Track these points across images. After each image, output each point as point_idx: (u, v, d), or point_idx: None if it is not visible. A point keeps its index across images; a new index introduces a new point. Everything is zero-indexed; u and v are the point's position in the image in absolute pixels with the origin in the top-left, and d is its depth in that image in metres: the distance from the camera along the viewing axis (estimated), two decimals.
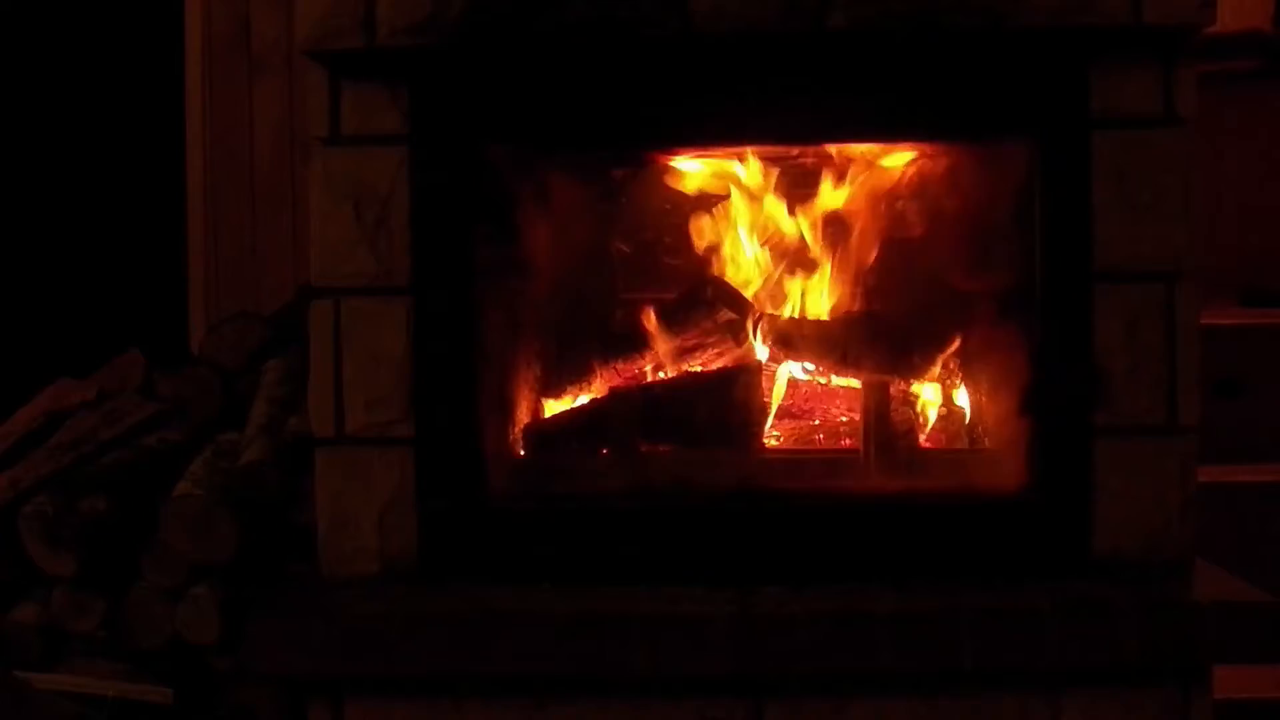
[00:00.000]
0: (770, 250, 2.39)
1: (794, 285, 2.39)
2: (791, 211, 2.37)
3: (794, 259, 2.39)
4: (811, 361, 2.31)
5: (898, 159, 2.29)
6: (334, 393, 2.06)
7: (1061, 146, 2.01)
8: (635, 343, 2.36)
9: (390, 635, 1.91)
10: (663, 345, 2.32)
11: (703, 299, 2.34)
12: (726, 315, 2.33)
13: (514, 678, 1.91)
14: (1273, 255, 3.42)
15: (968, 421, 2.25)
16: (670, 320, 2.35)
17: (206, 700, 2.25)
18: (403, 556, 2.05)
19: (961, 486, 2.08)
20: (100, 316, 3.41)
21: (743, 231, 2.39)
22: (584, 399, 2.32)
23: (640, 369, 2.36)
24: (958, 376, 2.26)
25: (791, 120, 2.05)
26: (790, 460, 2.22)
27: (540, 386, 2.31)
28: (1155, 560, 2.00)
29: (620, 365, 2.36)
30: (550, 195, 2.27)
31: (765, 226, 2.38)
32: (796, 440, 2.29)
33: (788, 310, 2.37)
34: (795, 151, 2.31)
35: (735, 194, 2.36)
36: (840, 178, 2.32)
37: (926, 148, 2.25)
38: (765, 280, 2.38)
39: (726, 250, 2.40)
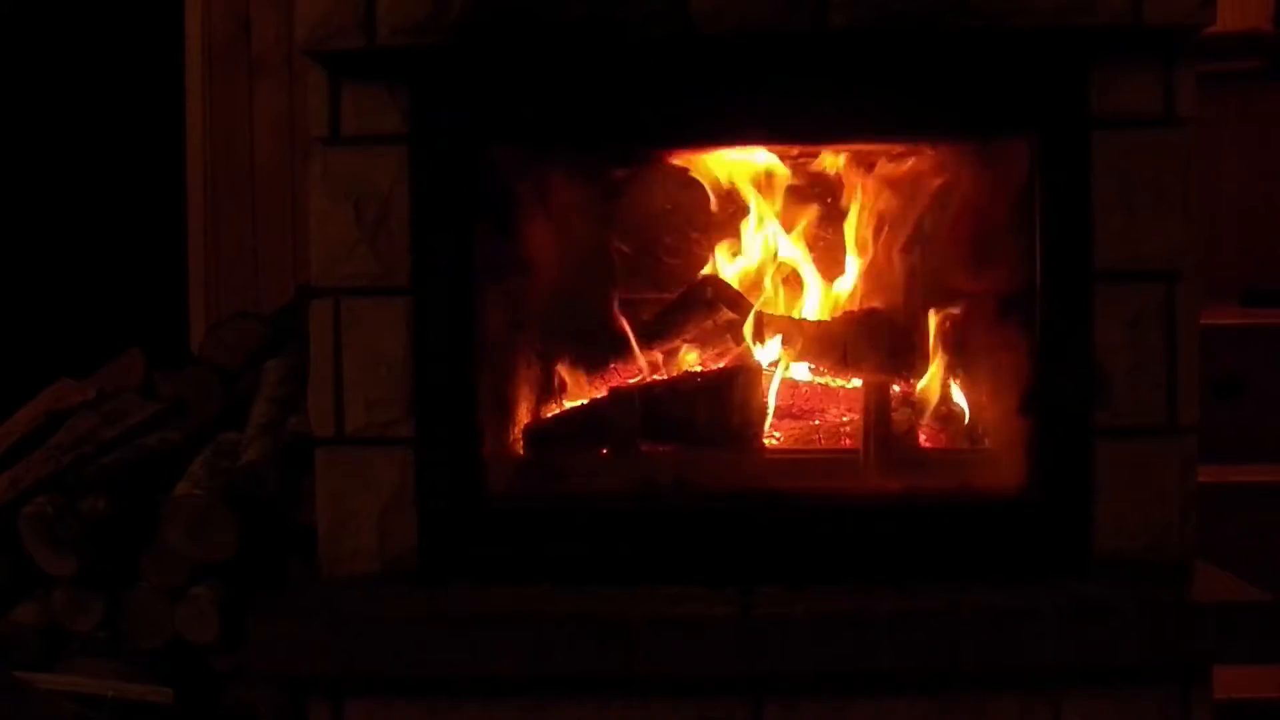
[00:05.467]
0: (770, 250, 2.40)
1: (794, 285, 2.39)
2: (792, 211, 2.37)
3: (794, 259, 2.40)
4: (811, 361, 2.31)
5: (898, 159, 2.30)
6: (334, 393, 2.05)
7: (1061, 146, 2.01)
8: (634, 343, 2.36)
9: (390, 635, 1.91)
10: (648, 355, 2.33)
11: (703, 299, 2.34)
12: (726, 315, 2.33)
13: (514, 678, 1.91)
14: (1273, 255, 3.42)
15: (967, 421, 2.25)
16: (670, 320, 2.35)
17: (206, 700, 2.25)
18: (403, 556, 2.05)
19: (962, 486, 2.08)
20: (100, 316, 3.41)
21: (742, 231, 2.39)
22: (584, 399, 2.32)
23: (640, 369, 2.36)
24: (958, 376, 2.26)
25: (792, 120, 2.05)
26: (790, 460, 2.22)
27: (540, 386, 2.30)
28: (1155, 560, 2.00)
29: (620, 365, 2.36)
30: (550, 195, 2.27)
31: (765, 226, 2.39)
32: (797, 440, 2.29)
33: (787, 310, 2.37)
34: (795, 151, 2.31)
35: (735, 194, 2.37)
36: (840, 177, 2.33)
37: (927, 147, 2.25)
38: (765, 280, 2.39)
39: (727, 250, 2.40)
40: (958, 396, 2.26)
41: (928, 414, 2.26)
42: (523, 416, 2.24)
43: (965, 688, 1.91)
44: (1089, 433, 2.01)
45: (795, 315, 2.37)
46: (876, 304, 2.35)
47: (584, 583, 2.00)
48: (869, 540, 2.02)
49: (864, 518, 2.04)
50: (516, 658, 1.89)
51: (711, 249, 2.42)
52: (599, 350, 2.37)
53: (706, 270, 2.41)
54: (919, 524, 2.03)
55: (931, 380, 2.26)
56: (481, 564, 2.04)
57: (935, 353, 2.26)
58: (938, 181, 2.29)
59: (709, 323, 2.35)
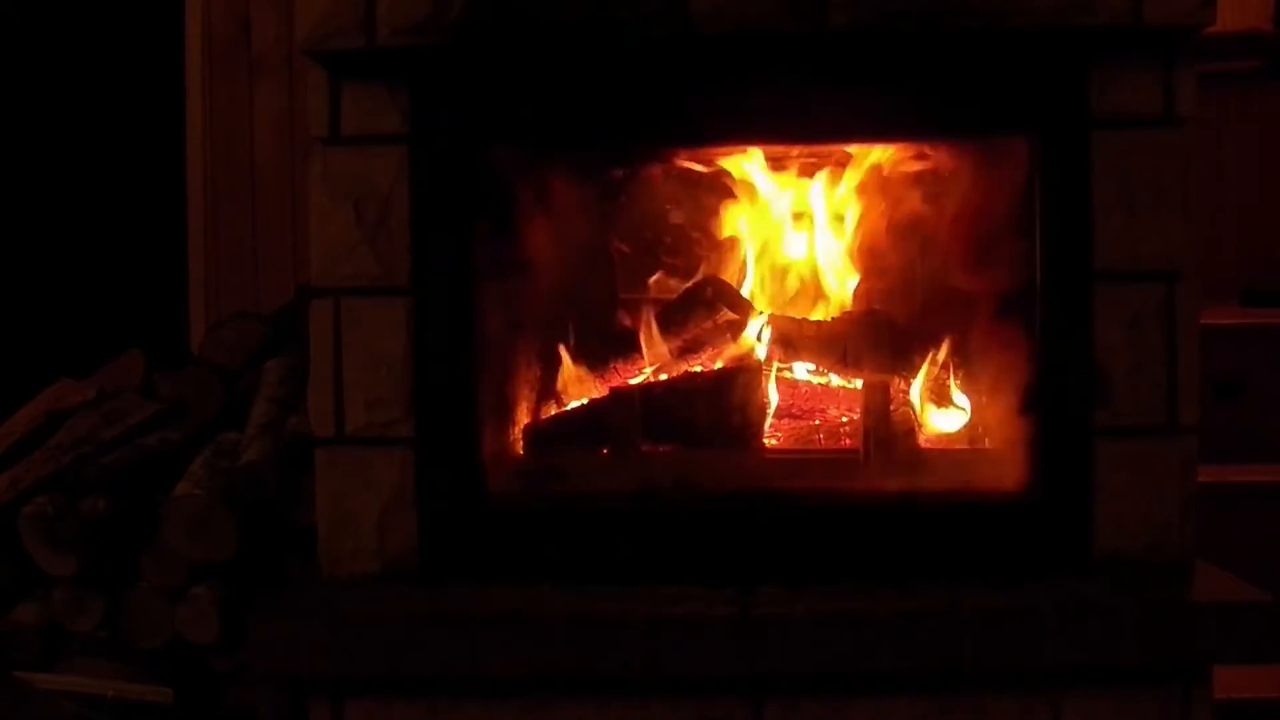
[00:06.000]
0: (770, 250, 2.40)
1: (795, 284, 2.39)
2: (791, 211, 2.37)
3: (794, 259, 2.40)
4: (812, 361, 2.31)
5: (898, 159, 2.29)
6: (334, 393, 2.05)
7: (1061, 146, 2.01)
8: (635, 343, 2.36)
9: (390, 635, 1.91)
10: (660, 349, 2.32)
11: (703, 299, 2.34)
12: (726, 315, 2.33)
13: (514, 678, 1.91)
14: (1273, 255, 3.42)
15: (968, 421, 2.25)
16: (670, 320, 2.35)
17: (206, 700, 2.25)
18: (403, 556, 2.05)
19: (962, 486, 2.08)
20: (100, 316, 3.41)
21: (742, 231, 2.39)
22: (584, 399, 2.32)
23: (640, 369, 2.36)
24: (958, 376, 2.26)
25: (792, 119, 2.05)
26: (790, 460, 2.22)
27: (540, 386, 2.30)
28: (1156, 560, 2.00)
29: (620, 365, 2.36)
30: (550, 195, 2.27)
31: (765, 226, 2.39)
32: (796, 440, 2.29)
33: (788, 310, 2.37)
34: (795, 151, 2.31)
35: (734, 194, 2.36)
36: (841, 177, 2.32)
37: (927, 147, 2.25)
38: (765, 280, 2.39)
39: (726, 249, 2.40)
40: (958, 396, 2.26)
41: (928, 414, 2.26)
42: (523, 416, 2.24)
43: (965, 688, 1.91)
44: (1089, 433, 2.01)
45: (796, 315, 2.36)
46: (876, 304, 2.35)
47: (584, 583, 2.00)
48: (869, 540, 2.03)
49: (864, 518, 2.04)
50: (516, 658, 1.89)
51: (712, 249, 2.42)
52: (599, 350, 2.37)
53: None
54: (919, 524, 2.03)
55: (932, 380, 2.26)
56: (481, 564, 2.04)
57: (935, 353, 2.26)
58: (938, 181, 2.29)
59: (709, 323, 2.35)
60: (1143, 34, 1.94)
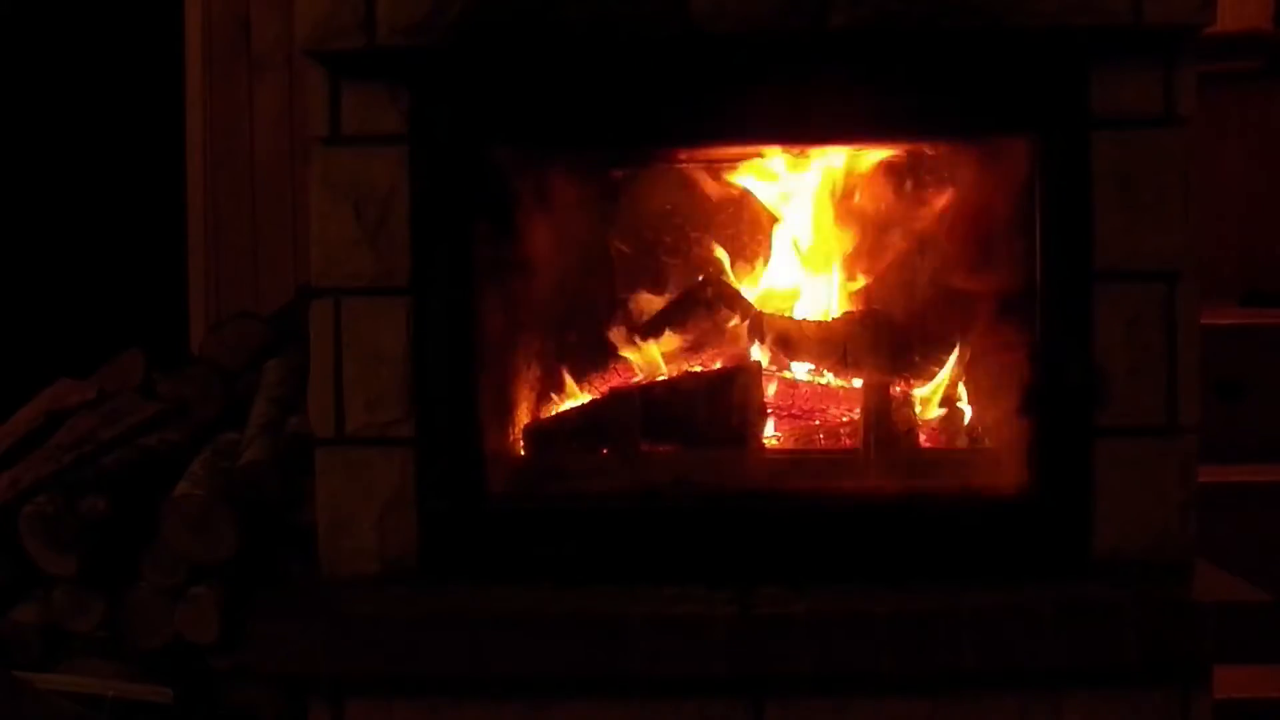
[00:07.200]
0: (770, 250, 2.40)
1: (794, 285, 2.39)
2: (791, 211, 2.37)
3: (794, 258, 2.40)
4: (812, 362, 2.31)
5: (898, 159, 2.30)
6: (334, 393, 2.05)
7: (1061, 146, 2.01)
8: (633, 344, 2.36)
9: (390, 635, 1.91)
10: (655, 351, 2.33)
11: (703, 299, 2.34)
12: (726, 315, 2.33)
13: (514, 678, 1.91)
14: (1273, 255, 3.42)
15: (968, 421, 2.25)
16: (670, 320, 2.35)
17: (206, 700, 2.25)
18: (403, 556, 2.05)
19: (962, 486, 2.08)
20: (100, 316, 3.41)
21: (743, 232, 2.39)
22: (584, 399, 2.32)
23: (639, 369, 2.36)
24: (958, 376, 2.26)
25: (792, 120, 2.05)
26: (790, 460, 2.22)
27: (540, 386, 2.30)
28: (1156, 560, 2.00)
29: (620, 365, 2.36)
30: (550, 195, 2.27)
31: (765, 226, 2.39)
32: (796, 440, 2.29)
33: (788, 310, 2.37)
34: (795, 151, 2.31)
35: (735, 194, 2.37)
36: (840, 177, 2.32)
37: (927, 147, 2.25)
38: (766, 280, 2.39)
39: (727, 250, 2.41)
40: (958, 397, 2.26)
41: (928, 414, 2.26)
42: (523, 416, 2.24)
43: (965, 688, 1.91)
44: (1089, 433, 2.01)
45: (796, 315, 2.36)
46: (877, 304, 2.35)
47: (584, 582, 2.00)
48: (869, 540, 2.02)
49: (864, 518, 2.04)
50: (517, 658, 1.89)
51: (712, 249, 2.42)
52: (599, 350, 2.37)
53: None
54: (919, 524, 2.03)
55: (932, 380, 2.26)
56: (481, 564, 2.04)
57: (935, 353, 2.26)
58: (938, 182, 2.29)
59: (709, 323, 2.35)
60: (1143, 34, 1.95)
